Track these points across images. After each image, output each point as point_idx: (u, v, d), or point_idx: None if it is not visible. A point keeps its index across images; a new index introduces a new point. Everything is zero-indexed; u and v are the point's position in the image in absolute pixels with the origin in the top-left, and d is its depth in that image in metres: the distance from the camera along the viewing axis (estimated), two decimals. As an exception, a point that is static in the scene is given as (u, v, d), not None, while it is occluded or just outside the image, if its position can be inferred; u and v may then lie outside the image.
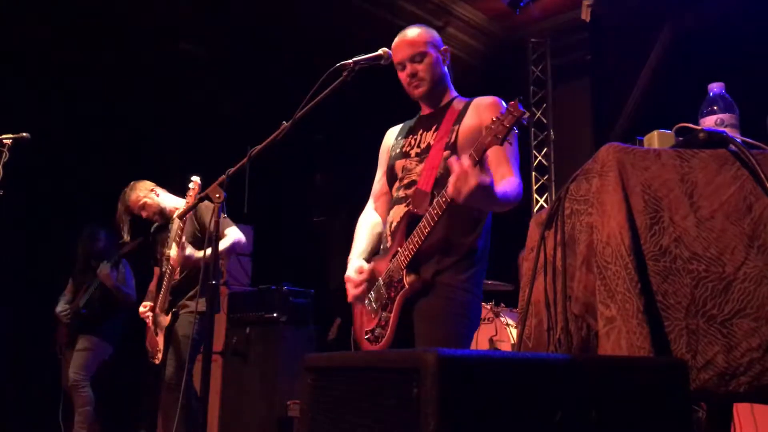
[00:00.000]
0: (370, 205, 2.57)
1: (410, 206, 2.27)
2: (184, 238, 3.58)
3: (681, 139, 1.62)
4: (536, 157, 6.80)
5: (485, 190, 1.93)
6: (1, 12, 5.19)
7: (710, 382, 1.38)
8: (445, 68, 2.42)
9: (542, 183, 6.74)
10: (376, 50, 2.32)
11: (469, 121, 2.27)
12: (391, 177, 2.45)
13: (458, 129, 2.27)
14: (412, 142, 2.40)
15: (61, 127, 5.91)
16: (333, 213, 7.64)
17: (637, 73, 5.85)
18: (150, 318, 3.86)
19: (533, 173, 6.75)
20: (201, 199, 2.53)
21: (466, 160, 1.92)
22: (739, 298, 1.41)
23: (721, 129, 1.62)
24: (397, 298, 2.22)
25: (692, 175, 1.49)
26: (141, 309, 3.94)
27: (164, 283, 3.75)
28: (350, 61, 2.27)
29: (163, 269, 3.79)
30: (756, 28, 4.70)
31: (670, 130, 1.69)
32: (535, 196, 6.74)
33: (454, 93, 2.45)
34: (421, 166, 2.31)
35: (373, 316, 2.32)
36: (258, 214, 6.76)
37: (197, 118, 6.74)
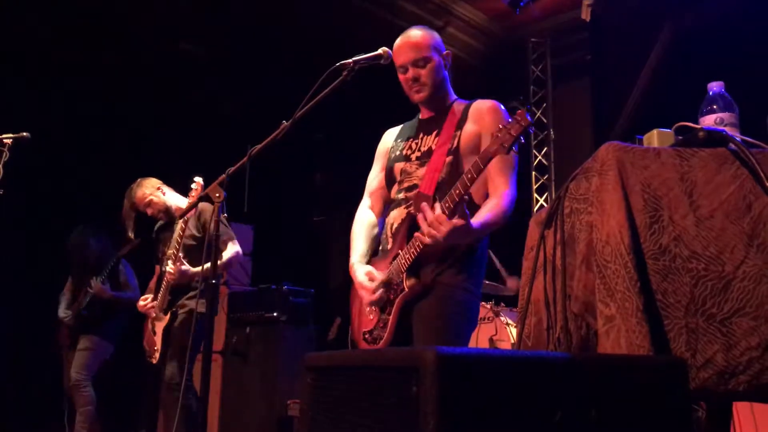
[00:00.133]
0: (365, 203, 2.57)
1: (412, 209, 2.27)
2: (181, 254, 3.66)
3: (680, 138, 1.62)
4: (536, 157, 6.80)
5: (460, 231, 1.99)
6: (1, 12, 5.20)
7: (710, 381, 1.38)
8: (446, 72, 2.42)
9: (542, 182, 6.74)
10: (376, 50, 2.32)
11: (470, 126, 2.28)
12: (390, 179, 2.46)
13: (460, 134, 2.28)
14: (413, 145, 2.40)
15: (61, 127, 5.91)
16: (333, 212, 7.64)
17: (637, 73, 5.85)
18: (151, 311, 3.87)
19: (533, 173, 6.76)
20: (201, 199, 2.54)
21: (437, 209, 2.02)
22: (738, 297, 1.41)
23: (721, 128, 1.62)
24: (397, 300, 2.22)
25: (692, 173, 1.49)
26: (140, 303, 3.96)
27: (164, 282, 3.76)
28: (350, 60, 2.27)
29: (164, 268, 3.80)
30: (756, 28, 4.70)
31: (670, 129, 1.69)
32: (535, 195, 6.74)
33: (453, 96, 2.45)
34: (422, 170, 2.31)
35: (371, 317, 2.32)
36: (258, 214, 6.76)
37: (197, 118, 6.74)
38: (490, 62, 6.84)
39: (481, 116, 2.28)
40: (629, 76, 5.89)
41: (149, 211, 3.99)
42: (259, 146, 2.33)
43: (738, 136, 1.58)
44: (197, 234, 3.82)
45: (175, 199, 4.01)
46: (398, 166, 2.41)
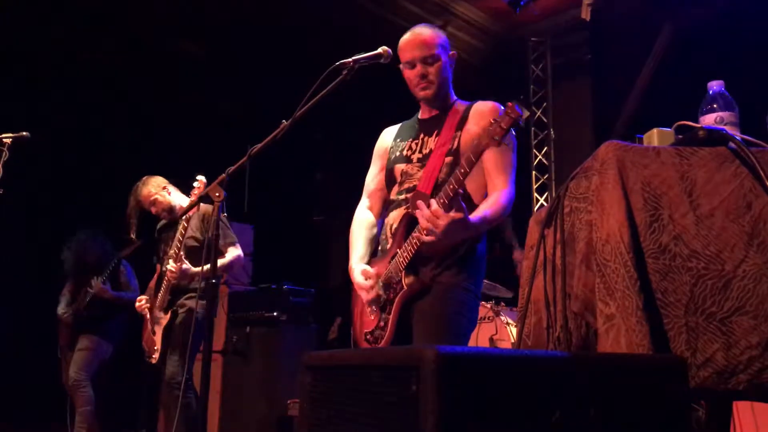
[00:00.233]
0: (363, 203, 2.57)
1: (409, 208, 2.27)
2: (182, 253, 3.67)
3: (680, 136, 1.62)
4: (536, 156, 6.80)
5: (457, 224, 1.98)
6: (1, 12, 5.20)
7: (709, 380, 1.38)
8: (450, 72, 2.43)
9: (542, 182, 6.74)
10: (376, 49, 2.32)
11: (471, 127, 2.29)
12: (390, 180, 2.45)
13: (460, 135, 2.28)
14: (413, 146, 2.40)
15: (61, 126, 5.91)
16: (333, 212, 7.64)
17: (637, 73, 5.85)
18: (147, 311, 3.88)
19: (533, 172, 6.76)
20: (201, 198, 2.54)
21: (433, 204, 2.01)
22: (738, 296, 1.41)
23: (721, 127, 1.62)
24: (396, 299, 2.22)
25: (692, 172, 1.49)
26: (137, 304, 3.97)
27: (164, 281, 3.76)
28: (350, 60, 2.27)
29: (164, 267, 3.80)
30: (756, 27, 4.70)
31: (670, 127, 1.69)
32: (536, 194, 6.74)
33: (455, 96, 2.46)
34: (422, 172, 2.31)
35: (372, 317, 2.32)
36: (258, 213, 6.76)
37: (197, 118, 6.74)
38: (490, 61, 6.84)
39: (482, 117, 2.28)
40: (629, 76, 5.90)
41: (153, 210, 4.00)
42: (259, 146, 2.32)
43: (738, 135, 1.58)
44: (199, 236, 3.83)
45: (179, 199, 4.02)
46: (399, 167, 2.41)
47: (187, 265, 3.68)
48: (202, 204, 3.51)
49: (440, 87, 2.37)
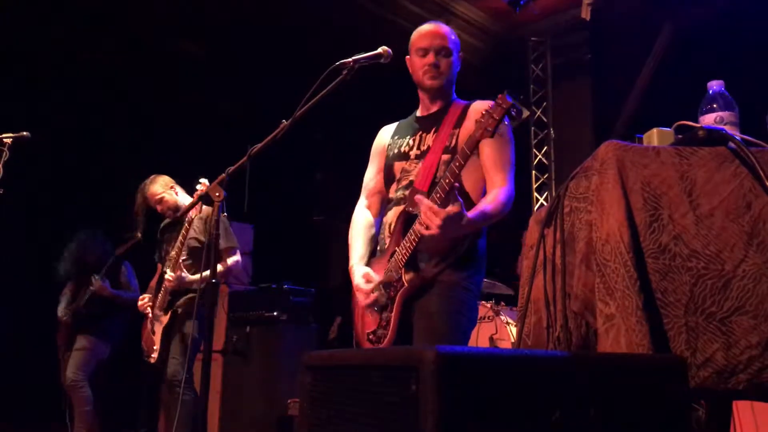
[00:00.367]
0: (362, 203, 2.56)
1: (406, 205, 2.27)
2: (184, 255, 3.74)
3: (680, 136, 1.62)
4: (536, 156, 6.80)
5: (454, 218, 1.97)
6: (1, 12, 5.19)
7: (709, 380, 1.38)
8: (456, 72, 2.44)
9: (542, 181, 6.75)
10: (376, 49, 2.32)
11: (469, 125, 2.28)
12: (389, 178, 2.45)
13: (458, 133, 2.28)
14: (411, 143, 2.40)
15: (61, 126, 5.91)
16: (333, 212, 7.64)
17: (637, 73, 5.85)
18: (149, 309, 3.90)
19: (533, 172, 6.76)
20: (201, 198, 2.54)
21: (430, 200, 2.01)
22: (738, 296, 1.41)
23: (721, 126, 1.62)
24: (397, 297, 2.22)
25: (691, 172, 1.49)
26: (140, 302, 3.99)
27: (165, 282, 3.77)
28: (350, 59, 2.27)
29: (165, 269, 3.82)
30: (756, 27, 4.70)
31: (670, 127, 1.69)
32: (535, 194, 6.74)
33: (454, 95, 2.47)
34: (419, 169, 2.31)
35: (373, 317, 2.32)
36: (258, 213, 6.76)
37: (197, 118, 6.74)
38: (490, 61, 6.84)
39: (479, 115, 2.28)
40: (629, 76, 5.90)
41: (159, 208, 4.04)
42: (259, 146, 2.32)
43: (738, 135, 1.58)
44: (202, 238, 3.86)
45: (185, 200, 4.06)
46: (398, 165, 2.40)
47: (185, 273, 3.74)
48: (205, 206, 3.54)
49: (448, 81, 2.39)
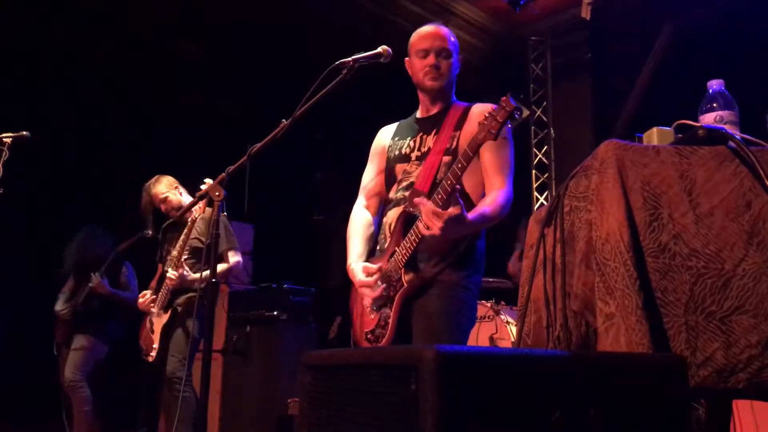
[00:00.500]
0: (360, 203, 2.56)
1: (406, 206, 2.27)
2: (186, 254, 3.76)
3: (680, 135, 1.62)
4: (536, 155, 6.80)
5: (455, 219, 1.98)
6: (1, 12, 5.19)
7: (709, 379, 1.38)
8: (455, 75, 2.45)
9: (542, 181, 6.75)
10: (376, 48, 2.32)
11: (470, 127, 2.28)
12: (390, 179, 2.45)
13: (459, 135, 2.29)
14: (412, 144, 2.40)
15: (61, 126, 5.91)
16: (333, 211, 7.64)
17: (637, 72, 5.85)
18: (151, 307, 3.91)
19: (533, 171, 6.76)
20: (201, 197, 2.55)
21: (432, 203, 2.02)
22: (738, 295, 1.41)
23: (721, 126, 1.62)
24: (396, 297, 2.22)
25: (691, 171, 1.49)
26: (140, 300, 3.99)
27: (165, 281, 3.78)
28: (350, 59, 2.27)
29: (166, 268, 3.83)
30: (756, 27, 4.70)
31: (670, 127, 1.69)
32: (536, 194, 6.74)
33: (454, 97, 2.47)
34: (420, 170, 2.31)
35: (372, 316, 2.32)
36: (258, 213, 6.75)
37: (197, 118, 6.74)
38: (490, 61, 6.84)
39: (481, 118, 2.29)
40: (629, 76, 5.90)
41: (163, 207, 4.07)
42: (258, 145, 2.32)
43: (738, 134, 1.58)
44: (204, 239, 3.87)
45: (188, 201, 4.07)
46: (400, 166, 2.41)
47: (187, 271, 3.75)
48: (208, 208, 3.55)
49: (448, 83, 2.40)
